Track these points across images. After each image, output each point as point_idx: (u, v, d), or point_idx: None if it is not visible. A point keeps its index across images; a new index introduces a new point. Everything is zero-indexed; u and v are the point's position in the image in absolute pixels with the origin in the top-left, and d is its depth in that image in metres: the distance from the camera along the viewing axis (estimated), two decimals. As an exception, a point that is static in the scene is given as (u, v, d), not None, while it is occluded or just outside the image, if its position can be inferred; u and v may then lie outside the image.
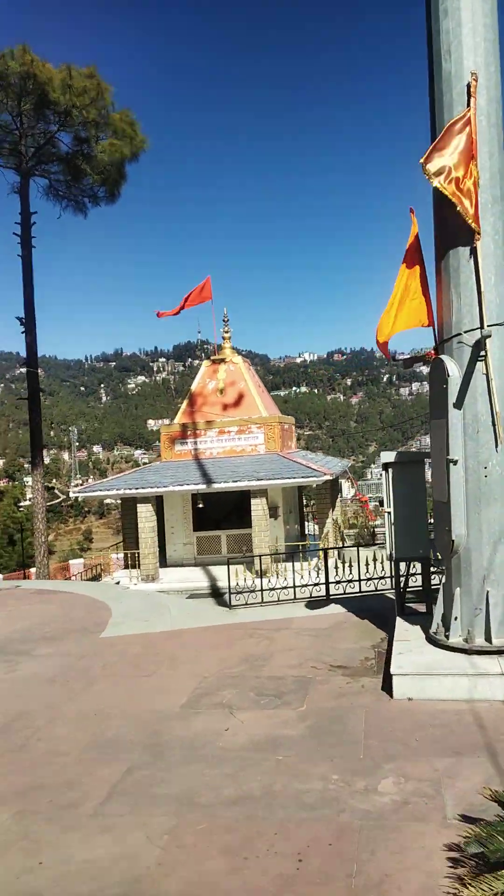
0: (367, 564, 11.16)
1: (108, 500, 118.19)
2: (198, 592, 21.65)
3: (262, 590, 10.36)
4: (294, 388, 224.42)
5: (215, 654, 7.95)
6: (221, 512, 26.12)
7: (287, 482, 23.33)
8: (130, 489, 24.09)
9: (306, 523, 32.99)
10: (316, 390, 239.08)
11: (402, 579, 8.52)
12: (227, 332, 28.68)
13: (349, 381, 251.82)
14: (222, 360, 27.55)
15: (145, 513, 24.24)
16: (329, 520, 27.03)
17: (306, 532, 31.90)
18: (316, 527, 34.56)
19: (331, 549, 15.00)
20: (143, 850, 4.06)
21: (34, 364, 26.63)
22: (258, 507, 23.32)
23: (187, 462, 25.89)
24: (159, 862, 3.89)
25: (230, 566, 10.94)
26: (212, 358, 28.00)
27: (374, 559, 11.47)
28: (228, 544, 26.13)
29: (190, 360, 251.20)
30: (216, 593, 21.90)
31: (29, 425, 26.41)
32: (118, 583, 24.08)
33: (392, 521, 8.04)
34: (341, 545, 26.72)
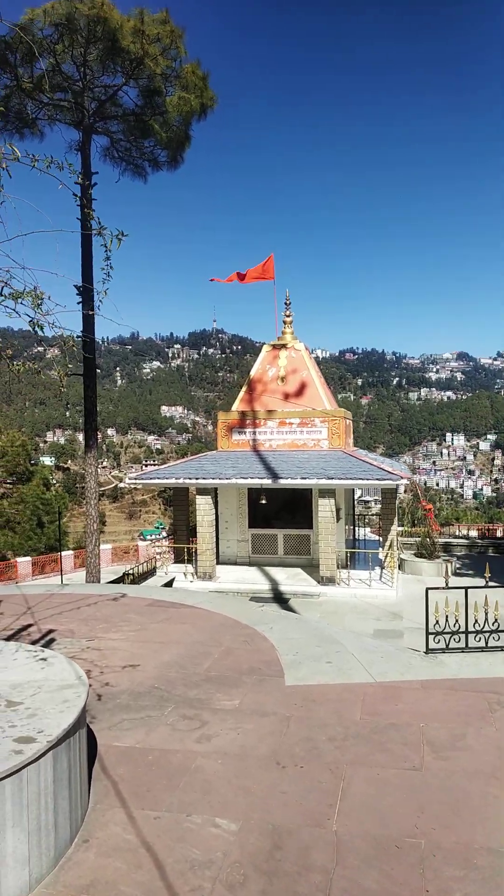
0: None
1: (122, 485, 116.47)
2: (259, 596, 19.71)
3: (467, 632, 8.14)
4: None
5: (482, 735, 5.73)
6: (273, 509, 24.18)
7: (360, 483, 21.18)
8: (191, 478, 21.98)
9: (357, 528, 30.98)
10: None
11: None
12: (288, 315, 26.53)
13: (360, 382, 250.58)
14: (283, 346, 25.46)
15: (204, 505, 22.23)
16: (393, 527, 24.93)
17: (356, 537, 29.87)
18: (366, 532, 32.48)
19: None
20: None
21: (91, 340, 24.38)
22: (326, 507, 21.20)
23: (246, 453, 23.84)
24: None
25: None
26: (272, 343, 25.86)
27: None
28: (285, 544, 24.20)
29: (205, 348, 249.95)
30: (279, 598, 19.88)
31: (84, 404, 24.23)
32: (173, 580, 22.13)
33: None
34: (400, 555, 24.78)
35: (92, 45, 23.72)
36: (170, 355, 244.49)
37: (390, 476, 20.61)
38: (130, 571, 22.68)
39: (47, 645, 7.87)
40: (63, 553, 34.93)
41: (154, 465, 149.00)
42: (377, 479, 20.59)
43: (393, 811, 4.57)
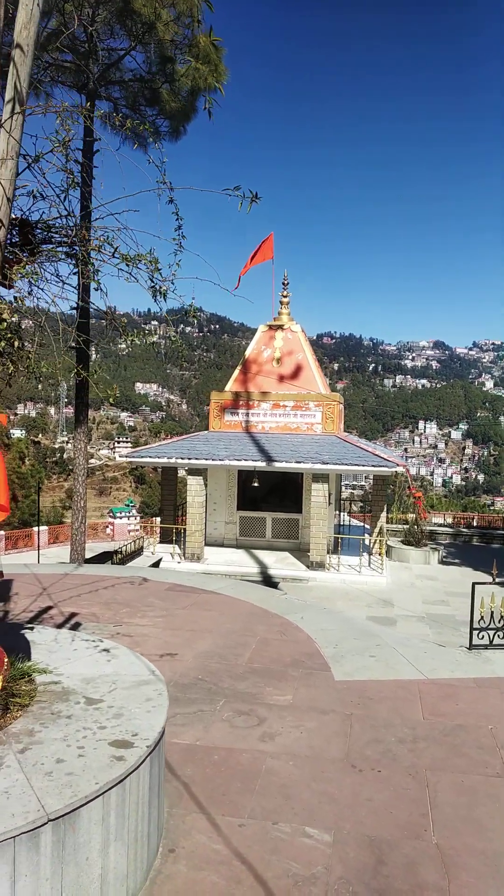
0: None
1: (93, 461, 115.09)
2: (247, 578, 19.53)
3: (510, 627, 7.99)
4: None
5: None
6: (261, 492, 23.96)
7: (356, 469, 21.04)
8: (183, 458, 21.62)
9: (342, 514, 30.95)
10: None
11: None
12: (285, 296, 26.12)
13: (336, 366, 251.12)
14: (280, 327, 25.07)
15: (195, 486, 21.90)
16: (383, 514, 24.93)
17: (341, 522, 29.84)
18: (345, 517, 32.43)
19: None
20: None
21: (86, 311, 23.66)
22: (319, 492, 21.03)
23: (239, 434, 23.52)
24: None
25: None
26: (268, 323, 25.45)
27: None
28: (273, 528, 24.02)
29: (182, 325, 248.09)
30: (268, 582, 19.71)
31: (76, 377, 23.49)
32: (160, 560, 21.82)
33: None
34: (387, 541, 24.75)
35: (102, 5, 22.79)
36: (146, 331, 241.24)
37: (386, 463, 20.49)
38: (119, 550, 22.31)
39: (74, 629, 7.51)
40: (35, 529, 34.30)
41: (126, 442, 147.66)
42: (373, 466, 20.44)
43: (491, 822, 4.37)
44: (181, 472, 27.37)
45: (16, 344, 3.80)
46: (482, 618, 8.04)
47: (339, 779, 4.83)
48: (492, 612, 8.08)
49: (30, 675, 4.46)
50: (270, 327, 24.99)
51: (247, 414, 23.96)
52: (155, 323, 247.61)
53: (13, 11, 3.57)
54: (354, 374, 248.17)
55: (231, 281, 24.07)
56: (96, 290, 4.20)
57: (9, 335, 3.74)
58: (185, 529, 21.95)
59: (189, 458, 21.51)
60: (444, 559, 24.94)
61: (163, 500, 25.97)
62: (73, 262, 4.11)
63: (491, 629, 8.08)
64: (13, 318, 3.80)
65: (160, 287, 4.10)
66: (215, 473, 23.37)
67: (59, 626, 7.52)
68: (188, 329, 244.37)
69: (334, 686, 6.54)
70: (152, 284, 4.07)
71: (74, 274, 4.70)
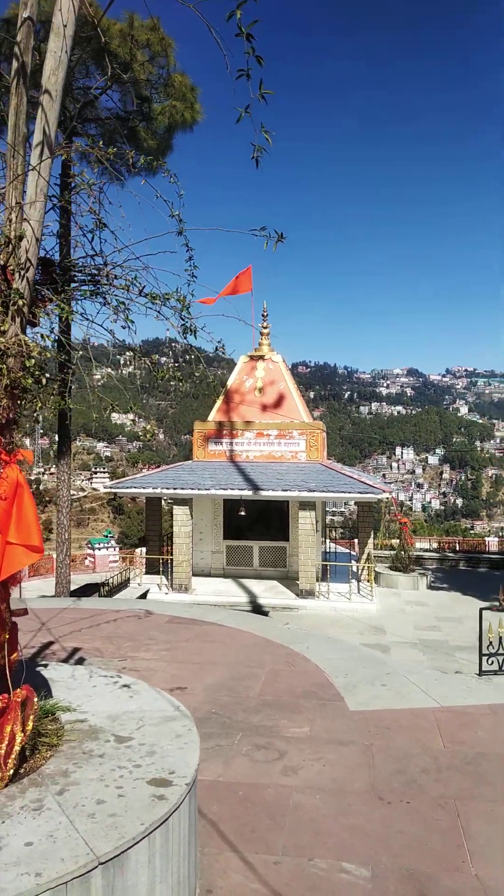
0: None
1: (71, 492, 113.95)
2: (237, 608, 19.39)
3: (517, 652, 8.02)
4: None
5: None
6: (247, 521, 23.92)
7: (343, 496, 21.15)
8: (168, 488, 21.53)
9: (327, 541, 30.93)
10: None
11: None
12: (265, 327, 26.40)
13: (312, 395, 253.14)
14: (261, 357, 25.31)
15: (181, 516, 21.83)
16: (370, 540, 25.05)
17: (327, 549, 29.80)
18: (334, 544, 32.43)
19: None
20: None
21: (68, 340, 23.64)
22: (306, 520, 21.07)
23: (223, 463, 23.55)
24: None
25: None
26: (249, 354, 25.67)
27: None
28: (261, 556, 23.97)
29: (157, 356, 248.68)
30: (258, 611, 19.57)
31: (58, 409, 23.39)
32: (147, 592, 21.61)
33: None
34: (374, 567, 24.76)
35: (78, 46, 23.21)
36: (121, 362, 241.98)
37: (372, 490, 20.62)
38: (106, 582, 22.05)
39: (79, 664, 7.38)
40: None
41: (104, 472, 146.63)
42: (359, 493, 20.56)
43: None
44: (165, 502, 27.19)
45: (42, 381, 3.84)
46: (490, 643, 8.05)
47: (368, 811, 4.78)
48: (500, 638, 8.10)
49: (54, 713, 4.39)
50: (252, 358, 25.19)
51: (231, 443, 24.01)
52: (129, 354, 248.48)
53: (41, 58, 3.66)
54: (330, 402, 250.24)
55: (221, 307, 24.27)
56: (124, 328, 4.25)
57: (37, 373, 3.78)
58: (171, 560, 21.78)
59: (174, 488, 21.43)
60: (433, 584, 24.98)
61: (148, 530, 25.77)
62: (102, 300, 4.17)
63: (500, 655, 8.10)
64: (42, 356, 3.83)
65: (190, 325, 4.18)
66: (201, 503, 23.31)
67: (64, 662, 7.40)
68: (163, 359, 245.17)
69: (350, 716, 6.49)
70: (182, 322, 4.14)
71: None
